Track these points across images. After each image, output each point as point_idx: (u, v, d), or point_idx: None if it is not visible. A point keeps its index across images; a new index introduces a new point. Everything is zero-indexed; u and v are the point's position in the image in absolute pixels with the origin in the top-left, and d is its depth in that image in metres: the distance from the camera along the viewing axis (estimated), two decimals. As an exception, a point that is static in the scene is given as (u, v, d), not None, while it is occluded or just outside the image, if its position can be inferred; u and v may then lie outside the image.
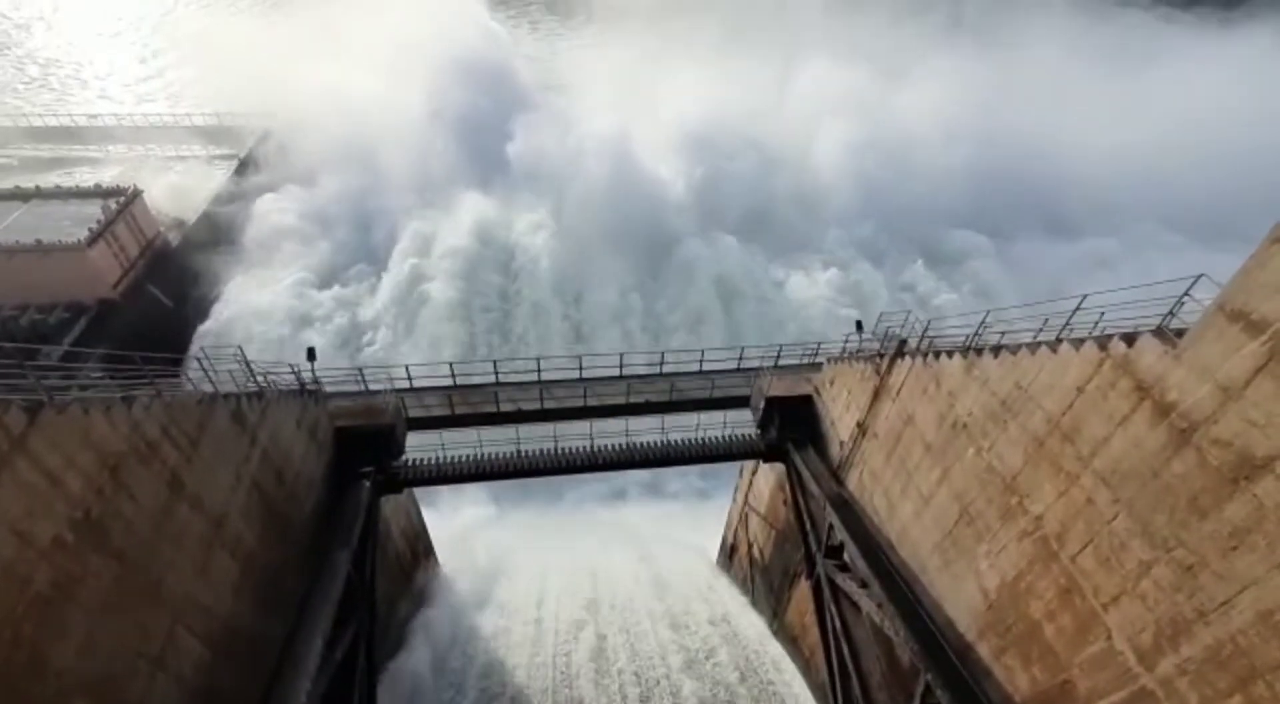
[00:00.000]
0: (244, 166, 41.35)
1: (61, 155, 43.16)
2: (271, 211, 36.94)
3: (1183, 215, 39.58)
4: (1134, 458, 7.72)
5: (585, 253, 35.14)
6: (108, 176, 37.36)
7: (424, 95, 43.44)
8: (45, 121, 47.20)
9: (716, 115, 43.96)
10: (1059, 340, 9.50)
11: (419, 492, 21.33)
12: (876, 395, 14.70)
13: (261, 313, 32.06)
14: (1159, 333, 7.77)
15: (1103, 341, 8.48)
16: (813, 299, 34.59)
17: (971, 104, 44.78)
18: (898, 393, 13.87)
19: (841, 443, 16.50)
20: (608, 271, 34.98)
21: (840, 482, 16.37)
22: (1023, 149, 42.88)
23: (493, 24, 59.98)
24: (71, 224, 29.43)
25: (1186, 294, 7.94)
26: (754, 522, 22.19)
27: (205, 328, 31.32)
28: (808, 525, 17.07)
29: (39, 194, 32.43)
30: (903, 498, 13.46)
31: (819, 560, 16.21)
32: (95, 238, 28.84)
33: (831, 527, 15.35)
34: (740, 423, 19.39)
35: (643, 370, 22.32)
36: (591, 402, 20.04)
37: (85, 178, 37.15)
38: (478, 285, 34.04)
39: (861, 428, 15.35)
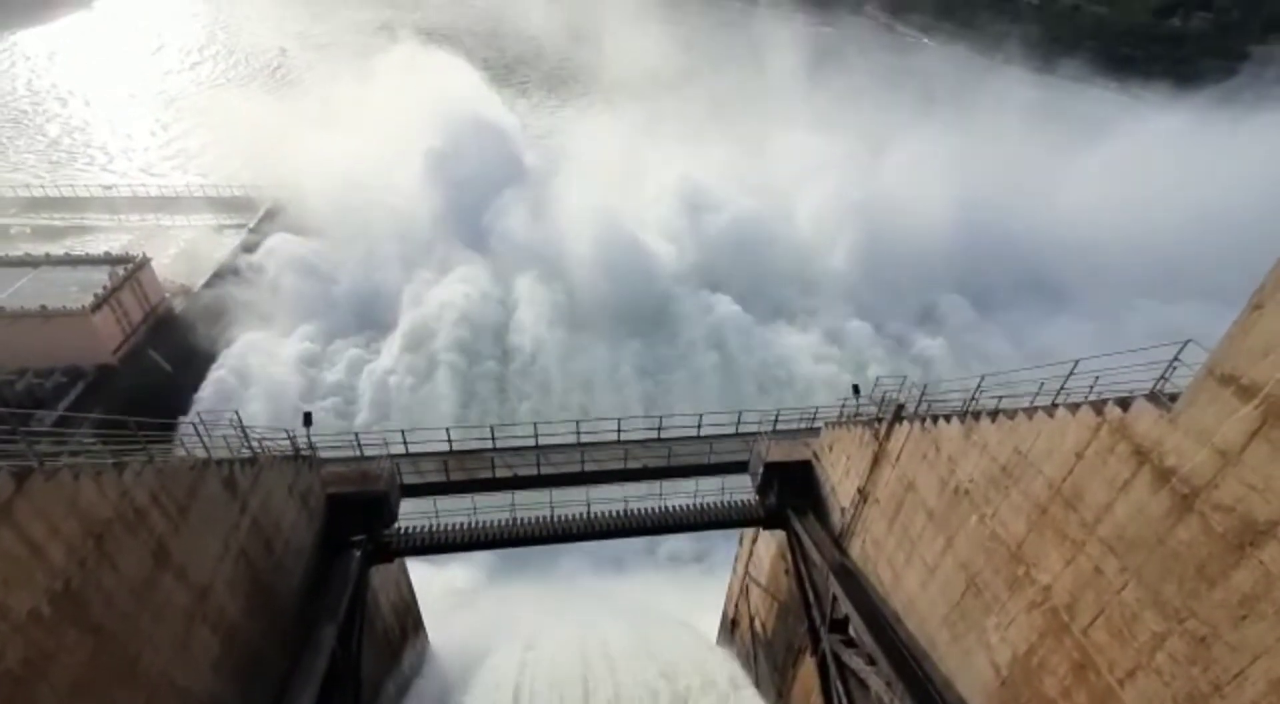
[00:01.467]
0: (251, 236, 42.39)
1: (75, 224, 44.23)
2: (275, 279, 37.63)
3: (1158, 277, 40.73)
4: (1138, 524, 7.60)
5: (581, 319, 35.67)
6: (118, 244, 38.26)
7: (424, 167, 45.25)
8: (61, 192, 48.70)
9: (706, 183, 45.84)
10: (1055, 405, 9.53)
11: (410, 558, 20.74)
12: (876, 461, 14.57)
13: (260, 377, 32.10)
14: (1153, 397, 7.81)
15: (1098, 406, 8.51)
16: (808, 361, 34.84)
17: (951, 172, 46.87)
18: (897, 458, 13.76)
19: (843, 509, 16.22)
20: (604, 336, 35.36)
21: (843, 550, 15.97)
22: (1007, 214, 44.61)
23: (493, 99, 63.34)
24: (78, 290, 29.89)
25: (1176, 359, 8.03)
26: (755, 593, 21.48)
27: (203, 393, 31.28)
28: (811, 597, 16.52)
29: (48, 261, 33.08)
30: (907, 567, 13.11)
31: (823, 635, 15.60)
32: (99, 304, 29.23)
33: (835, 598, 14.87)
34: (739, 488, 19.10)
35: (640, 435, 22.16)
36: (589, 467, 19.78)
37: (96, 246, 37.98)
38: (475, 352, 34.34)
39: (862, 494, 15.13)
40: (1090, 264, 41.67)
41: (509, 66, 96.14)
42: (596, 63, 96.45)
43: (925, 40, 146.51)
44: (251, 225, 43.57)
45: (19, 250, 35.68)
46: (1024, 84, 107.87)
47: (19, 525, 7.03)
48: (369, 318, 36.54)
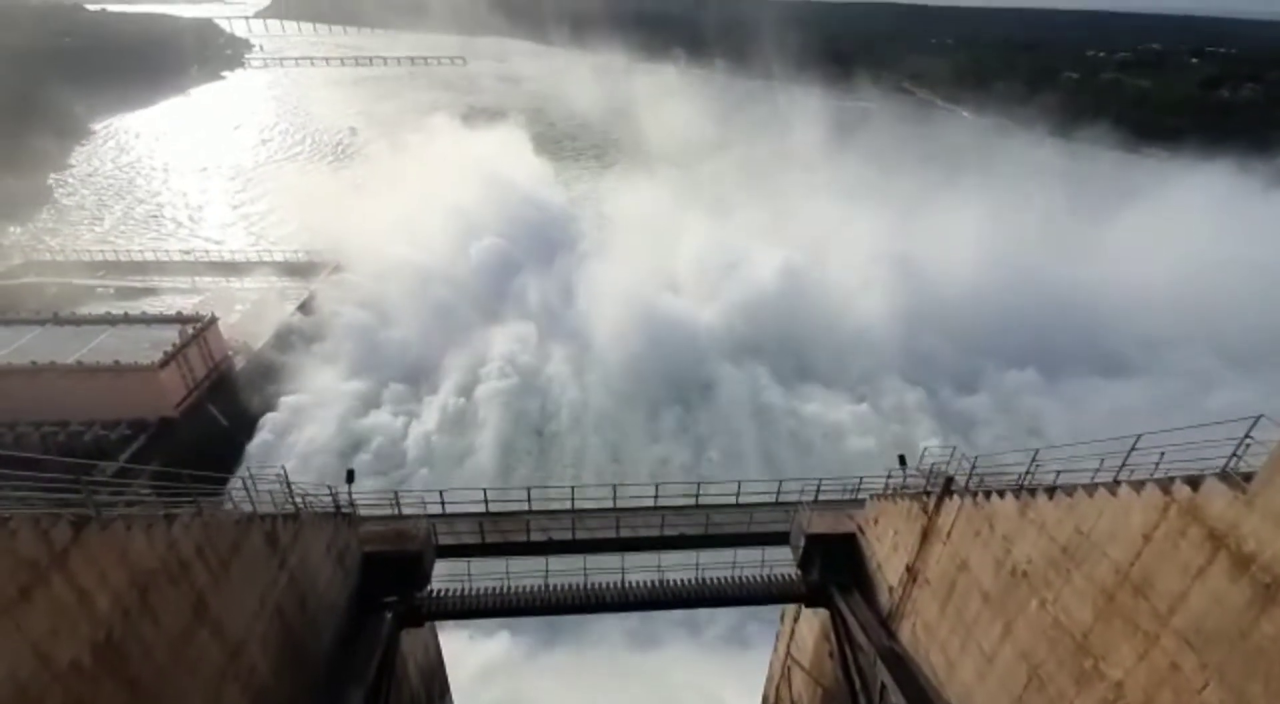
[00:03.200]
0: (312, 298, 44.62)
1: (152, 285, 47.48)
2: (328, 340, 39.27)
3: (1220, 346, 38.86)
4: (1217, 616, 6.97)
5: (620, 385, 35.84)
6: (190, 305, 40.79)
7: (475, 234, 47.42)
8: (143, 256, 52.73)
9: (743, 248, 46.52)
10: (1118, 482, 9.00)
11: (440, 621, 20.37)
12: (925, 537, 13.88)
13: (308, 434, 33.01)
14: (1224, 476, 7.31)
15: (1165, 484, 8.01)
16: (851, 429, 33.93)
17: (995, 237, 46.60)
18: (948, 535, 13.08)
19: (890, 588, 15.36)
20: (642, 402, 35.37)
21: (891, 633, 15.03)
22: (1056, 280, 43.69)
23: (540, 167, 66.80)
24: (150, 347, 31.71)
25: (1249, 435, 7.57)
26: (798, 676, 20.23)
27: (254, 447, 32.29)
28: (857, 684, 15.46)
29: (125, 319, 35.33)
30: (963, 654, 12.22)
31: (872, 726, 14.51)
32: (168, 360, 30.89)
33: (884, 686, 13.88)
34: (780, 561, 18.33)
35: (678, 501, 21.71)
36: (625, 533, 19.37)
37: (171, 306, 40.60)
38: (516, 414, 34.69)
39: (911, 572, 14.34)
40: (1147, 331, 40.08)
41: (556, 140, 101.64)
42: (636, 134, 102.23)
43: (965, 114, 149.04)
44: (311, 288, 45.92)
45: (101, 309, 38.38)
46: (1068, 155, 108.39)
47: (72, 574, 7.25)
48: (415, 378, 37.51)
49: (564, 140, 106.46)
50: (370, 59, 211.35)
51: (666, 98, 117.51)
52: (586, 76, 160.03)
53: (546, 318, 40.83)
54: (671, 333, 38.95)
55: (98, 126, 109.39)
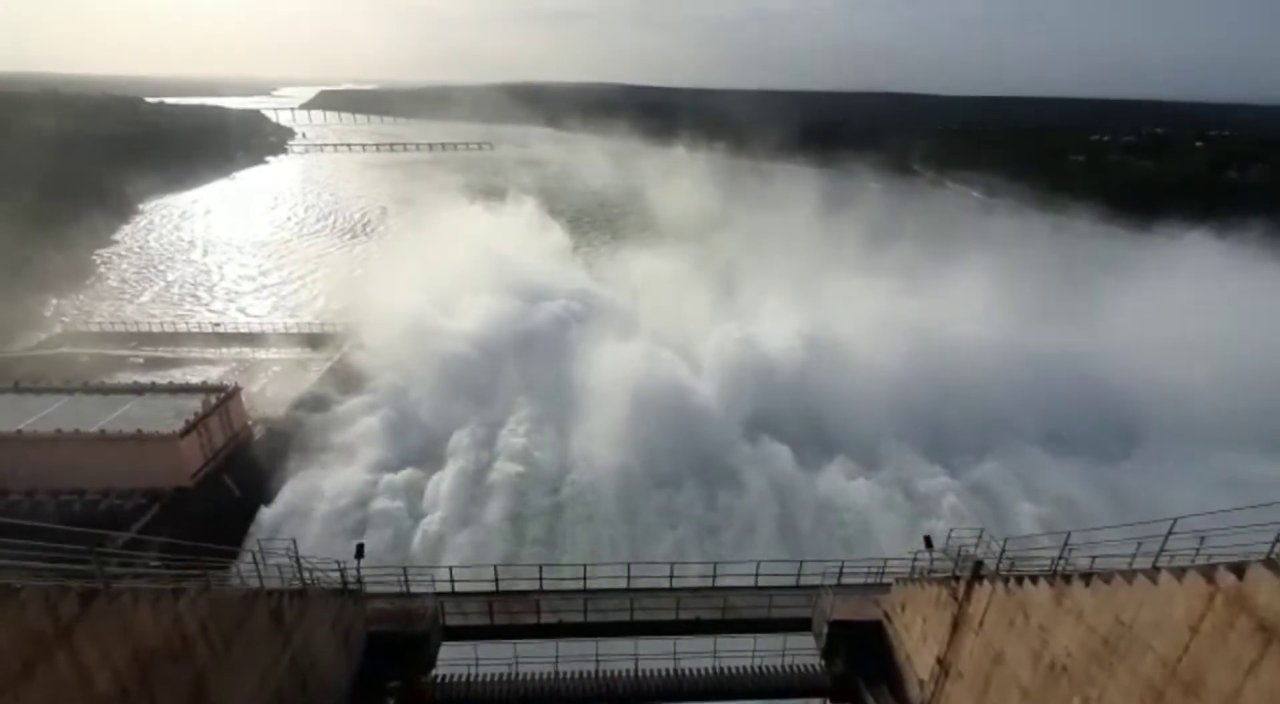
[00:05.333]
0: (333, 369, 45.40)
1: (181, 355, 48.70)
2: (344, 410, 39.60)
3: (1246, 425, 37.61)
4: (1280, 721, 6.45)
5: (635, 462, 35.32)
6: (216, 374, 41.63)
7: (492, 310, 48.55)
8: (175, 327, 54.45)
9: (758, 324, 46.93)
10: (1157, 568, 8.58)
11: None
12: (956, 626, 13.17)
13: (319, 507, 32.70)
14: (1270, 563, 6.95)
15: (1208, 572, 7.61)
16: (873, 507, 32.89)
17: (1010, 313, 46.64)
18: (980, 624, 12.41)
19: (921, 682, 14.45)
20: (658, 480, 34.80)
21: (924, 732, 14.01)
22: (1078, 355, 43.34)
23: (557, 241, 68.98)
24: (173, 416, 32.15)
25: (1292, 520, 7.23)
26: (824, 780, 18.72)
27: (264, 519, 31.96)
28: (889, 789, 14.31)
29: (152, 389, 36.03)
30: (1002, 759, 11.31)
31: None
32: (189, 429, 31.25)
33: (918, 793, 12.82)
34: (802, 649, 17.41)
35: (694, 582, 20.92)
36: (639, 616, 18.60)
37: (197, 375, 41.48)
38: (528, 489, 34.22)
39: (943, 665, 13.52)
40: (1175, 409, 39.06)
41: (574, 218, 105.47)
42: (647, 210, 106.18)
43: (975, 194, 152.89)
44: (332, 360, 46.82)
45: (131, 379, 39.27)
46: (1081, 233, 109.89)
47: (75, 650, 7.10)
48: (429, 452, 37.32)
49: (581, 218, 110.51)
50: (404, 145, 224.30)
51: (674, 176, 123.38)
52: (600, 159, 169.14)
53: (560, 394, 40.85)
54: (686, 408, 38.74)
55: (145, 206, 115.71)
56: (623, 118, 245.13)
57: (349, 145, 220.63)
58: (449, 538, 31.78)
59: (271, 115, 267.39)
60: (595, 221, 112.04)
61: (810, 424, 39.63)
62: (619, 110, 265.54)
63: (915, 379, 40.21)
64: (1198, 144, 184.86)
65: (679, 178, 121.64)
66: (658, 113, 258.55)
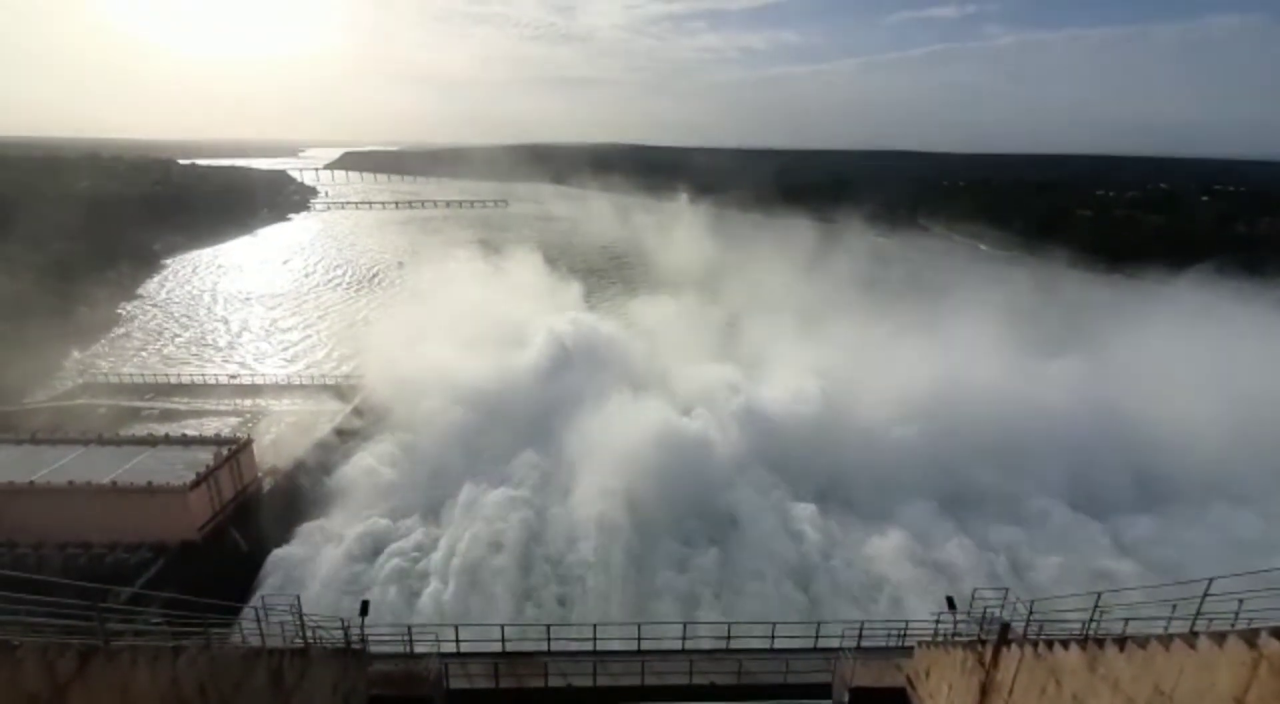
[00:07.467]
0: (344, 421, 45.50)
1: (195, 407, 49.13)
2: (353, 462, 39.45)
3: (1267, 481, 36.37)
4: (1343, 805, 5.97)
5: (646, 519, 34.63)
6: (229, 426, 41.84)
7: (501, 363, 48.82)
8: (190, 378, 55.13)
9: (775, 377, 46.60)
10: (1195, 633, 8.15)
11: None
12: (984, 693, 12.50)
13: (323, 562, 32.14)
14: (1316, 629, 6.60)
15: (1249, 636, 7.22)
16: (893, 566, 31.78)
17: (1030, 365, 46.08)
18: (1010, 692, 11.77)
19: (949, 755, 13.62)
20: (670, 537, 34.07)
21: (955, 812, 13.11)
22: (1103, 408, 42.48)
23: (565, 290, 69.90)
24: (185, 468, 32.11)
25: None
26: None
27: (268, 575, 31.42)
28: None
29: (165, 440, 36.17)
30: None
31: None
32: (198, 482, 31.16)
33: None
34: (822, 719, 16.55)
35: (707, 644, 20.15)
36: (650, 680, 17.85)
37: (211, 427, 41.72)
38: (536, 545, 33.53)
39: (971, 736, 12.77)
40: (1205, 465, 37.90)
41: (581, 272, 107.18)
42: (654, 262, 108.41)
43: (982, 247, 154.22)
44: (343, 413, 46.98)
45: (146, 430, 39.52)
46: (1088, 283, 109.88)
47: (68, 711, 6.89)
48: (437, 507, 36.82)
49: (591, 272, 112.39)
50: (422, 202, 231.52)
51: (686, 229, 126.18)
52: (609, 213, 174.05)
53: (569, 447, 40.45)
54: (700, 465, 38.24)
55: (169, 261, 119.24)
56: (634, 175, 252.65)
57: (369, 203, 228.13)
58: (455, 595, 31.00)
59: (296, 175, 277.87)
60: (604, 271, 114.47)
61: (828, 478, 38.91)
62: (630, 169, 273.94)
63: (937, 430, 39.68)
64: (1204, 198, 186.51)
65: (692, 230, 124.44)
66: (668, 170, 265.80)
